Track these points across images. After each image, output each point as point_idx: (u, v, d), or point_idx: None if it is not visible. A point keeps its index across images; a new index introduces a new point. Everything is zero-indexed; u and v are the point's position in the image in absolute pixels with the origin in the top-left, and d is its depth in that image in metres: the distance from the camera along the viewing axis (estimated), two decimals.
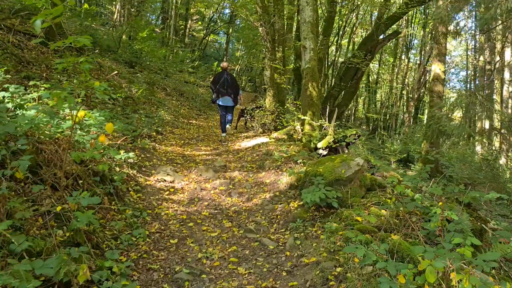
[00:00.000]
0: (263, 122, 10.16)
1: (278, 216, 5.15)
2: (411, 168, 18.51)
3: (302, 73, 9.48)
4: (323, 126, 9.05)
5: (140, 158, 6.93)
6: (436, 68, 16.98)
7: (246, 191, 6.16)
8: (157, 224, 4.78)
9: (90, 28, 19.03)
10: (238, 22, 35.51)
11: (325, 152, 8.56)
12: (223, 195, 5.98)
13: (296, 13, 12.10)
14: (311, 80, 9.21)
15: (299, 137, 9.54)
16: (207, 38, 34.99)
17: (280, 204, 5.50)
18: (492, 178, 16.58)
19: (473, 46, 34.63)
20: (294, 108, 11.31)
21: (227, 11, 39.00)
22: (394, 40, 23.29)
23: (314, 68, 9.28)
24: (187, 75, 20.18)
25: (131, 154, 6.06)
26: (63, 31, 13.45)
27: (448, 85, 37.56)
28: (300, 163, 6.76)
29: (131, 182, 5.73)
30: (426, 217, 4.50)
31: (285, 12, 10.74)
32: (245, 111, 11.30)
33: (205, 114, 15.52)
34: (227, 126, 10.58)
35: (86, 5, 22.41)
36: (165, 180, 6.29)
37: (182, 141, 9.49)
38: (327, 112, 8.77)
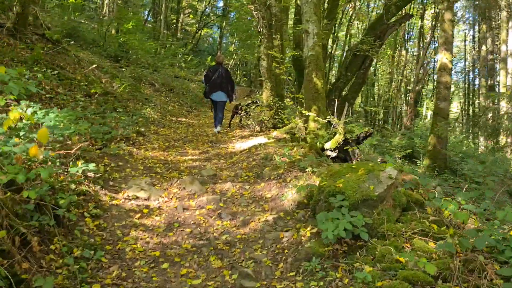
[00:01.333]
0: (260, 119, 8.71)
1: (285, 251, 3.71)
2: (418, 164, 17.10)
3: (305, 62, 8.03)
4: (330, 123, 7.62)
5: (108, 169, 5.47)
6: (442, 57, 15.56)
7: (241, 210, 4.73)
8: (116, 269, 3.34)
9: (73, 21, 17.47)
10: (232, 15, 33.95)
11: (334, 154, 7.15)
12: (211, 216, 4.53)
13: None
14: (315, 69, 7.77)
15: (303, 136, 8.11)
16: (200, 32, 33.39)
17: (287, 231, 4.06)
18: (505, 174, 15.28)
19: (471, 36, 33.33)
20: (292, 102, 9.87)
21: (220, 4, 37.45)
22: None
23: (318, 56, 7.84)
24: (177, 69, 18.67)
25: (91, 166, 4.60)
26: (39, 22, 11.95)
27: None
28: (308, 171, 5.32)
29: (90, 204, 4.28)
30: (499, 256, 3.09)
31: None
32: (240, 107, 9.88)
33: (196, 110, 14.05)
34: (218, 128, 9.45)
35: None
36: (137, 198, 4.85)
37: (166, 143, 8.03)
38: (335, 107, 7.34)
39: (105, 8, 23.13)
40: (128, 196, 4.82)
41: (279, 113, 9.02)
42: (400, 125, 28.65)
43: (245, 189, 5.32)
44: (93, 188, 4.62)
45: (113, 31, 18.54)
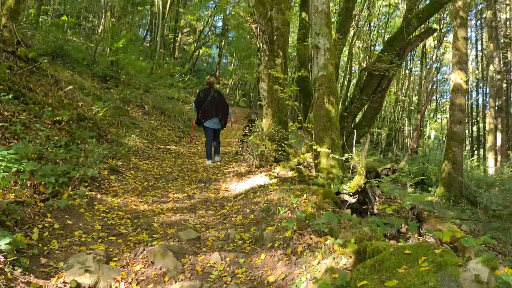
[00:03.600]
0: (259, 152, 7.09)
1: None
2: (431, 192, 15.40)
3: (314, 84, 6.47)
4: (347, 159, 6.02)
5: (47, 234, 3.82)
6: (456, 77, 14.06)
7: None
8: None
9: (60, 39, 16.05)
10: (231, 35, 32.72)
11: (353, 200, 5.52)
12: None
13: (295, 8, 9.14)
14: (327, 93, 6.19)
15: (312, 175, 6.48)
16: (198, 52, 32.07)
17: None
18: None
19: (474, 55, 31.98)
20: (295, 128, 8.27)
21: (219, 23, 36.32)
22: None
23: (331, 76, 6.27)
24: (170, 91, 17.15)
25: (3, 243, 2.96)
26: (15, 40, 10.46)
27: (447, 96, 34.75)
28: (330, 242, 3.65)
29: None
30: None
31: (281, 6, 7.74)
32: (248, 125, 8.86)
33: (188, 136, 12.44)
34: (216, 158, 8.40)
35: (64, 17, 19.62)
36: (78, 285, 3.19)
37: (145, 183, 6.40)
38: (344, 136, 5.78)
39: (101, 27, 21.87)
40: (64, 284, 3.17)
41: (282, 145, 7.42)
42: (405, 147, 27.06)
43: (238, 265, 3.65)
44: (4, 277, 2.96)
45: (106, 50, 17.16)
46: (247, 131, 8.56)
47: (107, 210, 4.83)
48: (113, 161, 7.38)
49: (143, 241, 4.06)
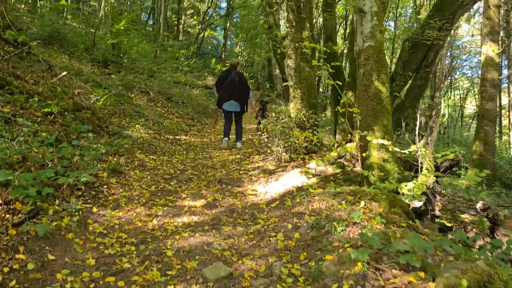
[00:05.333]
0: (290, 143, 5.79)
1: None
2: (461, 175, 13.97)
3: (357, 57, 5.12)
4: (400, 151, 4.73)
5: (11, 287, 2.60)
6: (488, 49, 12.56)
7: None
8: None
9: (56, 23, 14.69)
10: (236, 16, 31.07)
11: (420, 204, 4.27)
12: None
13: None
14: (376, 68, 4.86)
15: (357, 170, 5.20)
16: (203, 34, 30.48)
17: None
18: None
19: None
20: (329, 115, 6.95)
21: (223, 4, 34.59)
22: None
23: (380, 47, 4.93)
24: (177, 74, 15.81)
25: None
26: (6, 22, 9.17)
27: (459, 72, 32.98)
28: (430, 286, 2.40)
29: None
30: None
31: None
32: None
33: (199, 123, 11.16)
34: (238, 144, 7.87)
35: (63, 1, 18.23)
36: None
37: (153, 186, 5.15)
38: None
39: (101, 11, 20.47)
40: None
41: (314, 133, 6.12)
42: (422, 126, 25.57)
43: None
44: None
45: (107, 34, 15.81)
46: (260, 117, 7.93)
47: (105, 232, 3.59)
48: (115, 159, 6.13)
49: (153, 282, 2.83)
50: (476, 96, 37.14)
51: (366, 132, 4.81)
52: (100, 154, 5.37)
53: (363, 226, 3.35)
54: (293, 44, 6.16)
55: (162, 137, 8.57)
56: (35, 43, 8.67)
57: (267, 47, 20.91)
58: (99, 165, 5.57)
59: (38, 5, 18.56)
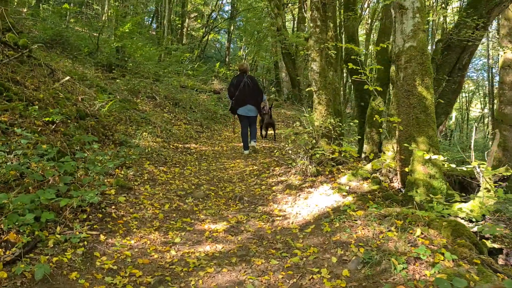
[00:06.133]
0: (317, 155, 5.17)
1: None
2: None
3: (397, 59, 4.52)
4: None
5: None
6: (507, 51, 12.01)
7: None
8: None
9: (59, 26, 14.15)
10: (239, 20, 30.50)
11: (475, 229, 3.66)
12: None
13: None
14: (420, 72, 4.26)
15: (395, 187, 4.61)
16: (207, 37, 29.92)
17: None
18: None
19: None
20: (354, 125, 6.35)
21: (227, 8, 34.06)
22: None
23: (423, 48, 4.33)
24: (184, 78, 15.25)
25: None
26: (6, 25, 8.63)
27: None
28: None
29: None
30: None
31: None
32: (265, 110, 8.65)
33: (208, 130, 10.56)
34: (252, 143, 7.74)
35: (66, 5, 17.69)
36: None
37: (166, 205, 4.54)
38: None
39: (105, 15, 19.94)
40: None
41: (341, 143, 5.52)
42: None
43: None
44: None
45: (111, 37, 15.23)
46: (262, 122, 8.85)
47: (115, 268, 2.98)
48: (122, 172, 5.54)
49: None
50: (481, 99, 36.57)
51: (405, 143, 4.21)
52: (106, 168, 4.77)
53: (428, 263, 2.74)
54: (318, 46, 5.56)
55: (171, 146, 7.97)
56: (35, 46, 8.07)
57: (274, 49, 20.31)
58: (105, 181, 4.98)
59: (41, 8, 18.08)
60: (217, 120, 11.64)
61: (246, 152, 7.71)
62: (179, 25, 28.22)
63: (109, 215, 3.93)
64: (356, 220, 3.61)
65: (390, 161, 4.59)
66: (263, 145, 8.78)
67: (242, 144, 7.92)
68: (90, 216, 3.79)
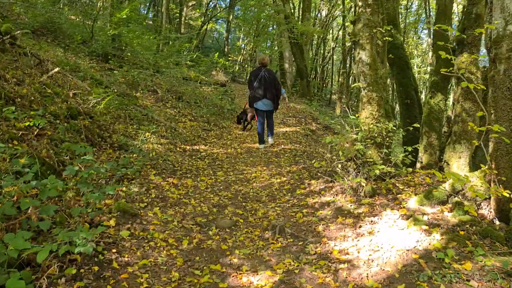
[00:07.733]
0: (374, 173, 3.98)
1: None
2: None
3: (495, 47, 3.31)
4: None
5: None
6: None
7: None
8: None
9: (50, 12, 12.71)
10: (238, 9, 29.05)
11: None
12: None
13: None
14: None
15: (485, 215, 3.44)
16: (206, 27, 28.43)
17: None
18: None
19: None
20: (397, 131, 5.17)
21: None
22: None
23: None
24: (186, 69, 13.94)
25: None
26: None
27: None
28: None
29: None
30: None
31: None
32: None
33: (216, 127, 9.31)
34: (270, 140, 7.67)
35: None
36: None
37: (185, 242, 3.34)
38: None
39: (98, 3, 18.46)
40: None
41: (388, 150, 4.32)
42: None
43: None
44: None
45: (107, 25, 13.84)
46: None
47: None
48: (124, 188, 4.33)
49: None
50: None
51: (509, 160, 3.04)
52: (103, 196, 3.55)
53: None
54: (368, 31, 4.33)
55: (177, 148, 6.76)
56: (18, 32, 6.76)
57: (279, 39, 18.94)
58: (102, 203, 3.77)
59: None
60: (225, 116, 10.40)
61: (261, 146, 7.50)
62: (177, 14, 26.73)
63: (108, 264, 2.73)
64: (469, 281, 2.44)
65: (479, 181, 3.41)
66: (282, 146, 7.60)
67: (257, 145, 7.62)
68: (81, 270, 2.58)
